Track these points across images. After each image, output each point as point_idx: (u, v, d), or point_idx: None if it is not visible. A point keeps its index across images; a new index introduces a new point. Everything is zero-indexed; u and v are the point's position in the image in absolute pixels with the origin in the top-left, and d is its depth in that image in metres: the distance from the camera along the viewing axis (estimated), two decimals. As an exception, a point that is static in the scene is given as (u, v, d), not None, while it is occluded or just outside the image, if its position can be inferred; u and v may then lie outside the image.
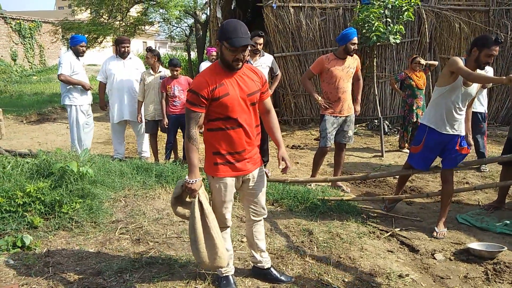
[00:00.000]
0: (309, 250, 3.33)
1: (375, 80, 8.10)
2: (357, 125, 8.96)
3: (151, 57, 5.74)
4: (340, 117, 4.70)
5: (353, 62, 4.65)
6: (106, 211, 3.81)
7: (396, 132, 8.39)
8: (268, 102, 2.67)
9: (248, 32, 2.36)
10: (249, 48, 2.41)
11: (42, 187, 3.75)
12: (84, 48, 5.87)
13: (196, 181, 2.40)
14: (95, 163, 4.61)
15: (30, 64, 23.34)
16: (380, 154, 6.83)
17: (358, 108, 4.93)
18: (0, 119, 7.94)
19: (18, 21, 22.60)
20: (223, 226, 2.65)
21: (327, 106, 4.67)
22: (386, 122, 8.70)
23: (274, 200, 4.28)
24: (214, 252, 2.39)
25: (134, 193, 4.18)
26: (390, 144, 7.65)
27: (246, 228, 2.85)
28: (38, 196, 3.66)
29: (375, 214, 4.20)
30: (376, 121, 8.75)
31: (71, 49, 5.76)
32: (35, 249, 3.17)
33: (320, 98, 4.69)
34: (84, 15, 14.24)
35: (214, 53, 7.85)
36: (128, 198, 4.10)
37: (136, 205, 3.96)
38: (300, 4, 8.61)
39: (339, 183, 4.90)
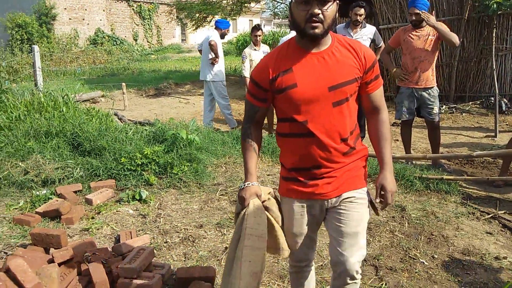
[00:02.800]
0: (400, 225, 3.32)
1: (493, 53, 7.34)
2: (470, 103, 8.27)
3: (262, 34, 6.10)
4: (417, 88, 4.45)
5: (432, 29, 4.32)
6: (209, 175, 4.22)
7: (515, 111, 7.57)
8: (377, 97, 1.74)
9: None
10: (336, 1, 1.56)
11: (157, 151, 4.29)
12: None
13: (245, 185, 1.71)
14: (201, 132, 5.07)
15: (149, 43, 25.62)
16: (493, 134, 6.27)
17: (428, 15, 4.25)
18: (123, 92, 9.00)
19: (138, 4, 24.83)
20: (294, 265, 1.96)
21: (403, 78, 4.51)
22: (505, 100, 7.86)
23: (367, 176, 4.27)
24: None
25: (234, 161, 4.53)
26: (507, 124, 6.95)
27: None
28: (154, 158, 4.19)
29: (477, 196, 3.96)
30: (492, 98, 7.97)
31: (218, 31, 6.34)
32: (150, 202, 3.68)
33: (395, 69, 4.61)
34: (195, -5, 15.12)
35: None
36: (228, 164, 4.46)
37: (235, 171, 4.30)
38: (410, -28, 8.09)
39: (441, 162, 4.68)
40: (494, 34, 7.41)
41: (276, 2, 15.75)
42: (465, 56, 8.19)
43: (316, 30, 1.53)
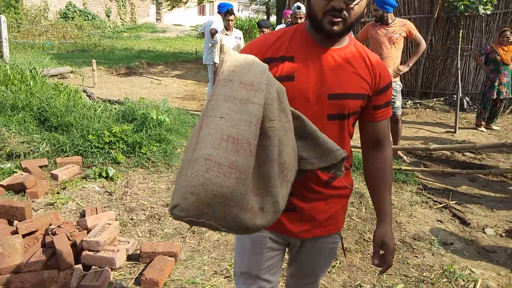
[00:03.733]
0: (357, 211, 3.50)
1: (459, 53, 7.64)
2: (435, 99, 8.61)
3: (235, 19, 6.11)
4: None
5: (400, 28, 4.51)
6: (178, 156, 4.27)
7: (475, 109, 7.95)
8: (383, 128, 1.42)
9: None
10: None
11: (126, 130, 4.29)
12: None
13: None
14: (172, 114, 5.09)
15: (122, 21, 24.96)
16: (453, 130, 6.59)
17: (401, 67, 4.59)
18: (93, 69, 8.82)
19: (113, -21, 24.08)
20: None
21: None
22: (467, 98, 8.24)
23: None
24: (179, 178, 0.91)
25: (203, 143, 4.60)
26: (467, 121, 7.31)
27: None
28: (122, 137, 4.20)
29: (433, 186, 4.20)
30: (455, 96, 8.33)
31: (221, 15, 6.43)
32: (117, 180, 3.70)
33: None
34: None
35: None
36: (197, 146, 4.53)
37: (204, 154, 4.38)
38: (385, -32, 8.25)
39: (400, 153, 4.90)
40: (460, 34, 7.72)
41: (253, -12, 15.69)
42: (432, 54, 8.50)
43: (335, 27, 1.23)
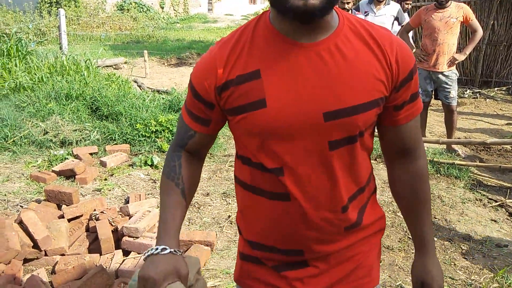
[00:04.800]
0: (403, 206, 3.34)
1: (525, 38, 7.06)
2: (496, 88, 8.02)
3: None
4: (434, 72, 4.36)
5: (456, 12, 4.18)
6: (221, 146, 4.30)
7: (542, 100, 7.33)
8: (411, 132, 0.99)
9: None
10: None
11: (172, 119, 4.37)
12: None
13: (156, 252, 0.86)
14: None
15: (175, 12, 25.51)
16: (515, 122, 6.12)
17: (457, 56, 4.29)
18: (145, 60, 9.08)
19: (167, -29, 24.60)
20: None
21: (422, 59, 4.40)
22: (532, 88, 7.61)
23: (378, 156, 4.27)
24: None
25: (246, 133, 4.60)
26: (532, 113, 6.75)
27: None
28: (168, 126, 4.29)
29: (488, 183, 3.92)
30: (519, 85, 7.73)
31: None
32: (161, 169, 3.79)
33: (415, 50, 4.53)
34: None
35: None
36: (240, 136, 4.54)
37: (247, 144, 4.38)
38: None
39: (455, 147, 4.62)
40: (527, 18, 7.10)
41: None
42: (494, 40, 7.90)
43: (312, 1, 0.78)
